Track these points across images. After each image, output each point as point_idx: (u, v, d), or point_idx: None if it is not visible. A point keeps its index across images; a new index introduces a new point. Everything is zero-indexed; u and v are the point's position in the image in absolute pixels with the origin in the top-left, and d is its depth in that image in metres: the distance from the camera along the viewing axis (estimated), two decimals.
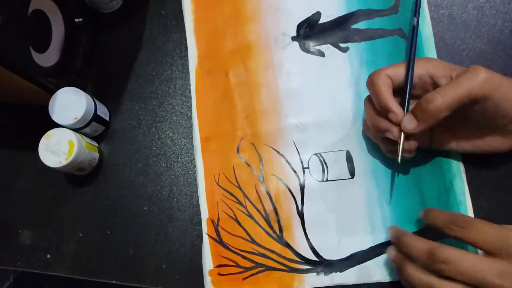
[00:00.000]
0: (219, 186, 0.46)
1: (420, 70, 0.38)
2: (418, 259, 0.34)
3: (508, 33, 0.46)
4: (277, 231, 0.44)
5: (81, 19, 0.50)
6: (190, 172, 0.47)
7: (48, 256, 0.47)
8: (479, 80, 0.34)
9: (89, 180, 0.48)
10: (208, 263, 0.44)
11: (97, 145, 0.48)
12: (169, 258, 0.45)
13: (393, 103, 0.37)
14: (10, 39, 0.39)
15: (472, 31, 0.46)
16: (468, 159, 0.43)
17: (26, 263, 0.47)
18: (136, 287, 0.45)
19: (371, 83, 0.38)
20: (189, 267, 0.44)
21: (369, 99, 0.40)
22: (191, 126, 0.48)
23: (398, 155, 0.38)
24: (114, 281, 0.45)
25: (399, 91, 0.39)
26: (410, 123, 0.36)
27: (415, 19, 0.41)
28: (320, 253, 0.43)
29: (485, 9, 0.47)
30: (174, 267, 0.45)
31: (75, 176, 0.48)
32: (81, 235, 0.47)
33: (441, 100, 0.34)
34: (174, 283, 0.44)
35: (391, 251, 0.38)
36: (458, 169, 0.43)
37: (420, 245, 0.34)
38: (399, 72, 0.38)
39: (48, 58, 0.45)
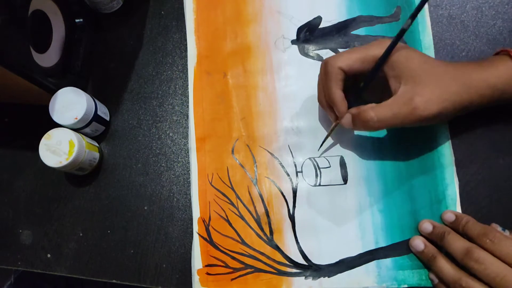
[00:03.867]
0: (212, 186, 0.46)
1: (376, 52, 0.38)
2: (455, 255, 0.37)
3: (508, 33, 0.46)
4: (268, 234, 0.44)
5: (81, 19, 0.50)
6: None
7: (49, 255, 0.47)
8: (410, 108, 0.36)
9: (89, 180, 0.48)
10: (197, 262, 0.44)
11: (97, 145, 0.48)
12: (169, 258, 0.45)
13: (339, 99, 0.40)
14: (11, 39, 0.40)
15: (471, 32, 0.46)
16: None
17: (27, 263, 0.47)
18: (136, 286, 0.45)
19: (324, 74, 0.40)
20: (189, 266, 0.44)
21: (321, 79, 0.42)
22: None
23: (328, 134, 0.44)
24: (114, 281, 0.45)
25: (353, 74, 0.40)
26: (347, 123, 0.40)
27: (409, 21, 0.36)
28: (309, 257, 0.43)
29: (484, 10, 0.47)
30: (174, 266, 0.45)
31: (75, 176, 0.48)
32: (81, 234, 0.47)
33: (377, 122, 0.37)
34: (174, 283, 0.44)
35: (419, 243, 0.41)
36: (451, 179, 0.43)
37: (461, 243, 0.37)
38: (353, 66, 0.38)
39: (48, 58, 0.45)
